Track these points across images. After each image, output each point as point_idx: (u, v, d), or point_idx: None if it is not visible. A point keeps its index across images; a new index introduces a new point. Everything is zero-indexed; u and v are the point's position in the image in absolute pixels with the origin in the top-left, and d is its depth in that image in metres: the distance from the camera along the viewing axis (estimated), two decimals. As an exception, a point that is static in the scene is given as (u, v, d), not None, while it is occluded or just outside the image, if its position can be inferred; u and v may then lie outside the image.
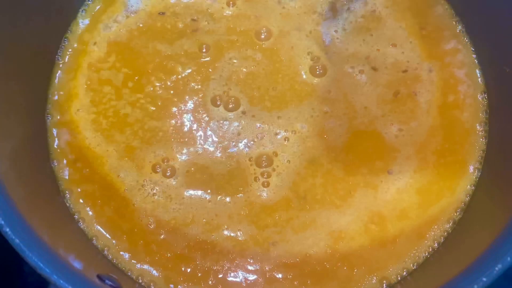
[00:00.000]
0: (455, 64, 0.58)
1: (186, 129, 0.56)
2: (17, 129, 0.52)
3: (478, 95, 0.57)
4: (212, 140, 0.56)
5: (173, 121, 0.56)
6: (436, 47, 0.58)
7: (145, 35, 0.59)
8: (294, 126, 0.56)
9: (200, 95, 0.57)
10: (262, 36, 0.59)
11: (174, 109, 0.57)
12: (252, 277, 0.53)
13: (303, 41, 0.58)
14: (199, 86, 0.57)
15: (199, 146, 0.56)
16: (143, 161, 0.55)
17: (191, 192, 0.55)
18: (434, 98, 0.57)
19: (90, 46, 0.58)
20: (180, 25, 0.59)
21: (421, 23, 0.59)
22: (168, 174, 0.55)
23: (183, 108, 0.57)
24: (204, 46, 0.58)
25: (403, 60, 0.58)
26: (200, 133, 0.56)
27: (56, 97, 0.57)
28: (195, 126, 0.56)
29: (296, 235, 0.54)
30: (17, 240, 0.41)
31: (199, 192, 0.55)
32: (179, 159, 0.55)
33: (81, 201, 0.55)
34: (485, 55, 0.58)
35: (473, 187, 0.55)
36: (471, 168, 0.56)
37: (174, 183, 0.55)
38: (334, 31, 0.57)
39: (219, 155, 0.56)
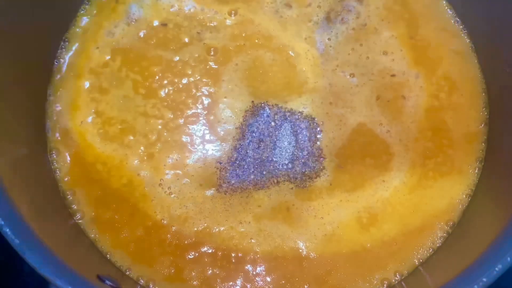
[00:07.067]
0: (454, 65, 0.58)
1: (199, 130, 0.57)
2: (18, 131, 0.52)
3: (478, 96, 0.57)
4: (225, 142, 0.57)
5: (187, 124, 0.57)
6: (434, 48, 0.58)
7: (147, 43, 0.59)
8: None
9: (213, 97, 0.58)
10: (265, 41, 0.59)
11: (189, 112, 0.57)
12: (249, 271, 0.54)
13: (302, 44, 0.59)
14: (211, 89, 0.58)
15: (212, 147, 0.56)
16: (159, 163, 0.56)
17: (203, 192, 0.55)
18: (431, 99, 0.57)
19: (92, 51, 0.58)
20: (184, 36, 0.59)
21: (418, 25, 0.59)
22: (180, 175, 0.56)
23: (196, 111, 0.57)
24: (212, 49, 0.59)
25: (393, 66, 0.58)
26: (213, 134, 0.57)
27: (57, 98, 0.57)
28: (208, 128, 0.57)
29: (294, 232, 0.54)
30: (17, 240, 0.42)
31: (210, 192, 0.55)
32: (192, 161, 0.56)
33: (81, 200, 0.55)
34: (485, 54, 0.58)
35: (473, 187, 0.55)
36: (471, 169, 0.56)
37: (186, 184, 0.55)
38: (328, 39, 0.59)
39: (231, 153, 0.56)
